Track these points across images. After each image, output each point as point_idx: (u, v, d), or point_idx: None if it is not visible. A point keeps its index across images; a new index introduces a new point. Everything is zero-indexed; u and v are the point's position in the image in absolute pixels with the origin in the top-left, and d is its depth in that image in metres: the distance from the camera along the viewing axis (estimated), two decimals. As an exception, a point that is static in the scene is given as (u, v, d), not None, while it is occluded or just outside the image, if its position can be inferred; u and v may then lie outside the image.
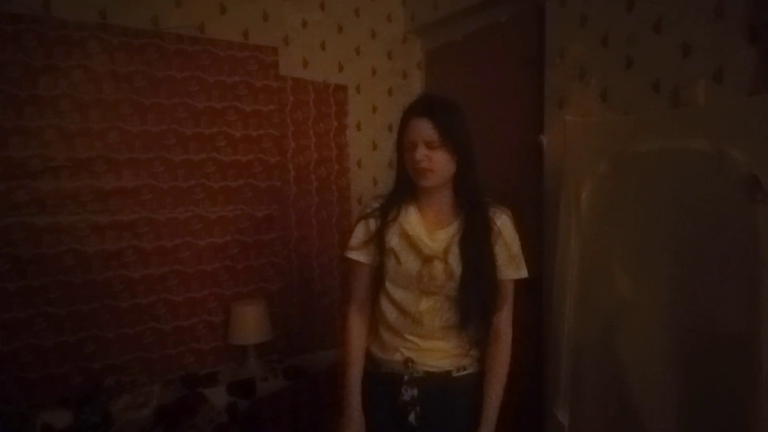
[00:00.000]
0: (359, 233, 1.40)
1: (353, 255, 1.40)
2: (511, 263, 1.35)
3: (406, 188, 1.35)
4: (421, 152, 1.25)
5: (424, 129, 1.25)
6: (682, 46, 1.62)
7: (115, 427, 1.91)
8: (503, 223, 1.34)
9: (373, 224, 1.37)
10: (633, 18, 1.76)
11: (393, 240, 1.34)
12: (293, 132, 2.58)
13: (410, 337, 1.35)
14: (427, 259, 1.31)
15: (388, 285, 1.35)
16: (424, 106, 1.29)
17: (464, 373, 1.37)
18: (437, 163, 1.26)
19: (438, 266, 1.30)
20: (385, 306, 1.36)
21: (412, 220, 1.35)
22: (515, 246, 1.35)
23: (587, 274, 1.77)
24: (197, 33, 2.29)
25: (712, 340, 1.41)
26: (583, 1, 1.93)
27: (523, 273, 1.37)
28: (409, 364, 1.35)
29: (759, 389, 1.27)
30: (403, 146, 1.31)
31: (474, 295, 1.30)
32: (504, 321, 1.39)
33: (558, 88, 2.05)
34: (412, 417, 1.34)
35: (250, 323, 2.29)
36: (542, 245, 2.15)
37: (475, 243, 1.30)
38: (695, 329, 1.45)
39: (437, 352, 1.35)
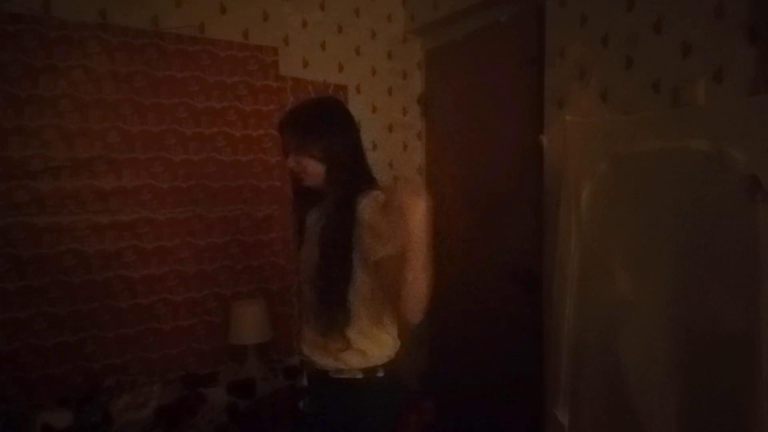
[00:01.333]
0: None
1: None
2: (378, 243, 1.27)
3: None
4: (291, 160, 1.40)
5: (286, 140, 1.40)
6: (682, 46, 1.62)
7: (115, 427, 1.91)
8: (363, 206, 1.30)
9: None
10: (633, 18, 1.76)
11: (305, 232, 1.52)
12: (293, 132, 2.58)
13: (303, 329, 1.42)
14: (303, 246, 1.48)
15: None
16: (283, 120, 1.43)
17: (340, 376, 1.36)
18: (305, 167, 1.38)
19: (303, 252, 1.47)
20: None
21: (313, 213, 1.51)
22: (380, 226, 1.27)
23: (587, 274, 1.77)
24: (197, 33, 2.29)
25: (712, 340, 1.41)
26: (583, 1, 1.93)
27: (391, 249, 1.25)
28: (302, 356, 1.45)
29: (759, 389, 1.27)
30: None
31: (326, 281, 1.33)
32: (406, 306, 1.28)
33: (558, 88, 2.05)
34: (301, 403, 1.45)
35: (250, 323, 2.29)
36: (542, 245, 2.15)
37: (331, 230, 1.34)
38: (695, 329, 1.45)
39: (319, 348, 1.39)
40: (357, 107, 2.79)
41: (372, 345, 1.36)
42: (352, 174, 1.39)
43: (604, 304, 1.71)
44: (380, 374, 1.36)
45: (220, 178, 2.34)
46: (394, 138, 2.94)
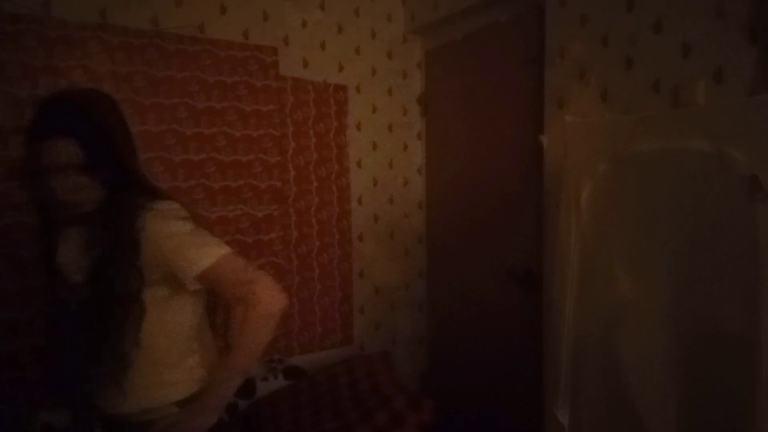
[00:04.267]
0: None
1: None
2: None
3: None
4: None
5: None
6: (682, 46, 1.62)
7: (115, 427, 1.90)
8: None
9: None
10: (633, 18, 1.76)
11: None
12: (293, 132, 2.59)
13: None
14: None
15: None
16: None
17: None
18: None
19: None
20: None
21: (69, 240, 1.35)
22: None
23: (587, 274, 1.77)
24: (197, 33, 2.29)
25: (712, 339, 1.41)
26: (583, 1, 1.93)
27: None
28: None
29: (759, 389, 1.27)
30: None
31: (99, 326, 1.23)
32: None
33: (558, 88, 2.05)
34: None
35: (250, 323, 2.28)
36: (542, 245, 2.15)
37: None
38: (695, 329, 1.45)
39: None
40: (357, 107, 2.80)
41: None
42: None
43: (604, 304, 1.71)
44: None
45: (220, 178, 2.34)
46: (394, 138, 2.94)
